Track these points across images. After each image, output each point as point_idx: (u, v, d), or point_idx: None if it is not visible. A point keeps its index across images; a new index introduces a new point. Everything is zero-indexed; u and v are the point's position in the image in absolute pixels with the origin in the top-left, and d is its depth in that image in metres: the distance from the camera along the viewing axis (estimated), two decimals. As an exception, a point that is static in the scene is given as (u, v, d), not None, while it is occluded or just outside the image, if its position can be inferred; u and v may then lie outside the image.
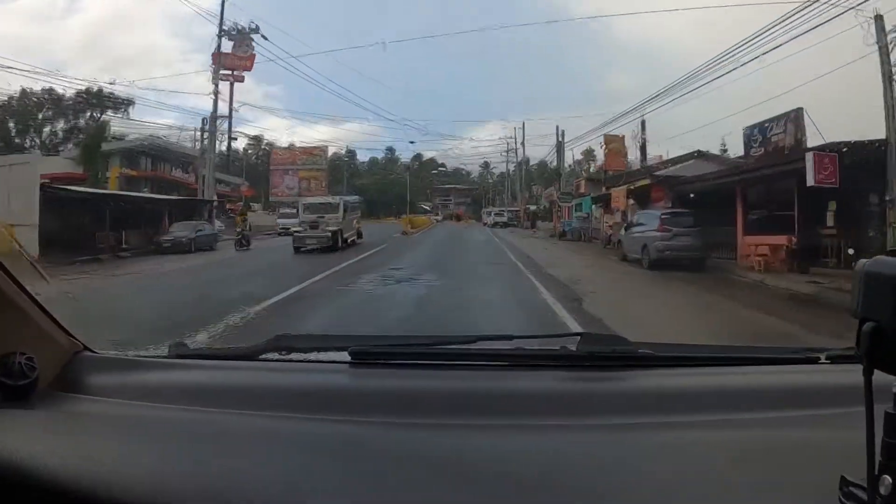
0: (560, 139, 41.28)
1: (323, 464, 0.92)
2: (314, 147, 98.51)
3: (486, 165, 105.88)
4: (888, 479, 0.63)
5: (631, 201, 25.93)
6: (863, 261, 0.65)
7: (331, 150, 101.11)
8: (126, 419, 1.11)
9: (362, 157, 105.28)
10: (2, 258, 1.13)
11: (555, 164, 58.72)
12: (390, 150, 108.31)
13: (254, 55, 67.16)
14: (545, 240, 35.00)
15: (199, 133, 34.58)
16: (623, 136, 32.85)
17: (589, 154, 52.63)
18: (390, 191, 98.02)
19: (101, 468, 0.86)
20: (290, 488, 0.82)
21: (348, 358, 1.35)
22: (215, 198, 33.49)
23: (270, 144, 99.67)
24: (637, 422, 1.09)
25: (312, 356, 1.49)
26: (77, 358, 1.28)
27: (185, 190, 43.97)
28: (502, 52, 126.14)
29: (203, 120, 33.46)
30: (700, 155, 26.40)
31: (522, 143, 65.81)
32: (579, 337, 1.47)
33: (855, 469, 0.65)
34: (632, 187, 25.86)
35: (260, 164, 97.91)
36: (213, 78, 33.98)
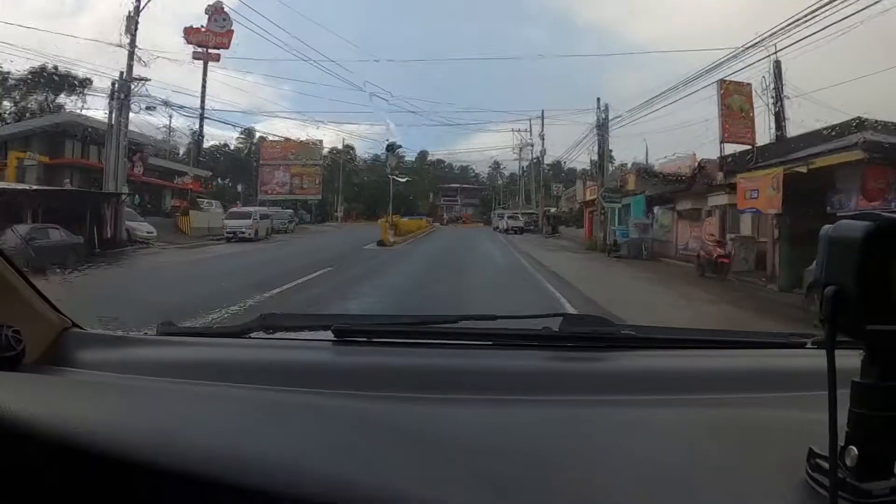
0: (603, 114, 30.06)
1: (302, 433, 0.92)
2: (308, 141, 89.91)
3: (496, 165, 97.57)
4: (854, 449, 0.63)
5: (769, 192, 14.41)
6: (827, 226, 0.65)
7: (329, 145, 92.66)
8: (112, 387, 1.12)
9: (365, 153, 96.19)
10: None
11: (568, 164, 49.74)
12: (392, 146, 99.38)
13: (231, 31, 58.58)
14: (590, 258, 23.96)
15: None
16: (749, 86, 18.75)
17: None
18: (393, 191, 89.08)
19: (89, 423, 0.87)
20: (267, 455, 0.82)
21: (332, 336, 1.37)
22: (125, 190, 24.08)
23: (263, 138, 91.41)
24: (614, 399, 1.11)
25: (297, 335, 1.50)
26: (65, 334, 1.31)
27: (131, 183, 35.42)
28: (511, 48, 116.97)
29: (112, 83, 24.02)
30: (862, 125, 13.60)
31: (542, 135, 56.41)
32: (562, 318, 1.47)
33: (825, 444, 0.64)
34: (802, 169, 13.82)
35: (252, 159, 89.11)
36: (126, 29, 24.34)
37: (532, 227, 49.57)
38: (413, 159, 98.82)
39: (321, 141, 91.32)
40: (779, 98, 18.60)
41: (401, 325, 1.56)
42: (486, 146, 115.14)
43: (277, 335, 1.50)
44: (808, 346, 1.42)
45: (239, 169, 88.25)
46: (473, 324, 1.56)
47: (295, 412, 1.01)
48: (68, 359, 1.24)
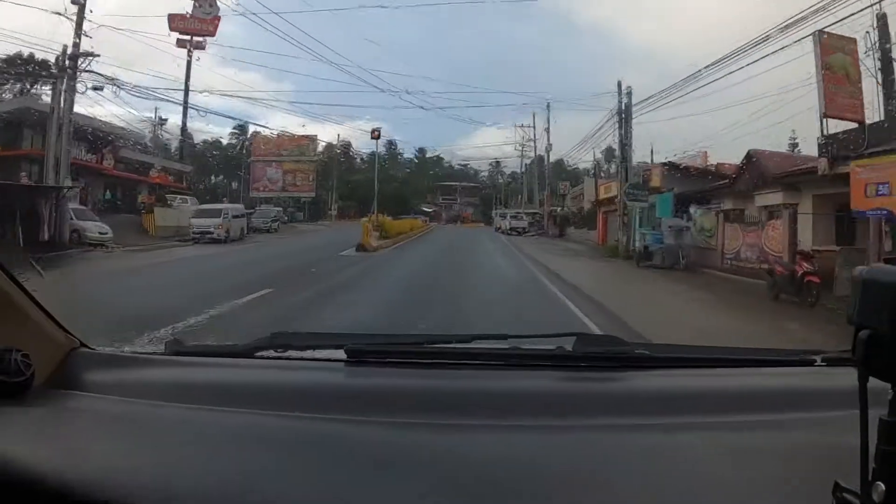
0: (626, 98, 25.56)
1: (318, 462, 0.93)
2: (303, 136, 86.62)
3: (496, 164, 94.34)
4: (881, 485, 0.64)
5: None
6: (860, 267, 0.66)
7: (327, 140, 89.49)
8: (122, 416, 1.11)
9: (362, 149, 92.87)
10: None
11: (572, 162, 46.79)
12: (391, 143, 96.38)
13: (218, 18, 55.21)
14: (614, 267, 20.40)
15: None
16: (855, 42, 13.22)
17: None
18: (387, 189, 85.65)
19: (96, 466, 0.87)
20: (284, 486, 0.82)
21: (344, 356, 1.36)
22: (67, 183, 20.61)
23: (257, 133, 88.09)
24: (632, 423, 1.10)
25: (308, 354, 1.47)
26: (73, 354, 1.29)
27: (100, 177, 32.06)
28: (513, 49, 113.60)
29: (56, 59, 20.59)
30: None
31: (547, 129, 53.04)
32: (575, 337, 1.46)
33: (848, 473, 0.66)
34: None
35: (245, 155, 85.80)
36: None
37: (536, 228, 46.25)
38: (412, 156, 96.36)
39: (315, 136, 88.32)
40: (888, 61, 12.95)
41: (413, 345, 1.54)
42: (488, 144, 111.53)
43: (287, 355, 1.45)
44: (818, 363, 1.42)
45: (233, 166, 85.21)
46: (486, 343, 1.57)
47: (306, 439, 1.00)
48: (76, 381, 1.21)
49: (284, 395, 1.20)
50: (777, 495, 0.80)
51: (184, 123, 55.75)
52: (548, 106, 53.63)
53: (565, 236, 40.91)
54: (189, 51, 51.98)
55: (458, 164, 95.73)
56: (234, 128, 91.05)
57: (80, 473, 0.83)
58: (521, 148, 76.28)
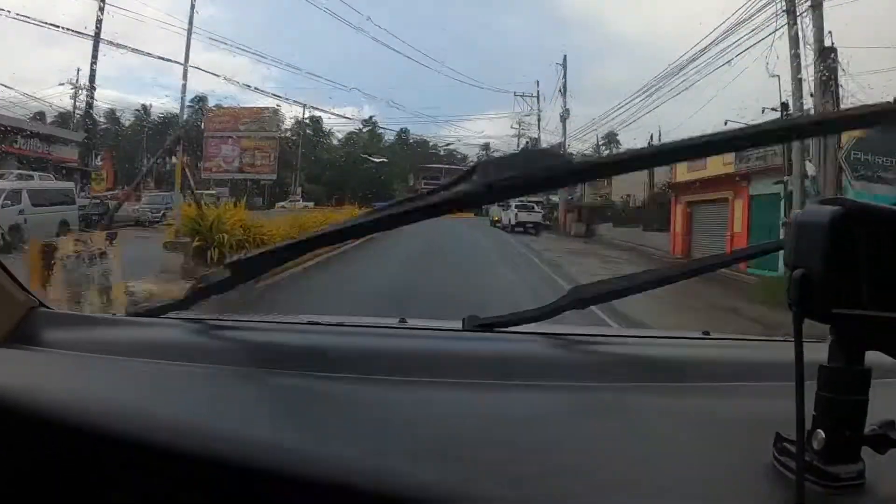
0: None
1: (281, 412, 0.95)
2: (262, 108, 73.65)
3: (486, 147, 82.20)
4: (821, 433, 0.65)
5: None
6: (796, 210, 0.69)
7: (293, 116, 76.51)
8: (81, 365, 1.13)
9: (336, 129, 79.99)
10: None
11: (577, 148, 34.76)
12: (370, 121, 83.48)
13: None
14: None
15: None
16: None
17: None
18: (363, 173, 73.03)
19: (55, 397, 0.89)
20: (231, 425, 0.85)
21: (304, 320, 1.45)
22: None
23: (214, 106, 74.85)
24: (587, 384, 1.11)
25: (270, 317, 1.53)
26: (32, 313, 1.28)
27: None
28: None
29: None
30: None
31: (561, 89, 40.77)
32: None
33: (794, 430, 0.66)
34: None
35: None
36: None
37: (549, 223, 33.97)
38: (393, 139, 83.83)
39: (278, 108, 75.05)
40: None
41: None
42: (478, 128, 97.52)
43: (252, 317, 1.51)
44: (779, 339, 1.45)
45: (194, 145, 72.23)
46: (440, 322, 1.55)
47: (265, 391, 1.03)
48: (36, 338, 1.21)
49: (246, 352, 1.21)
50: (720, 450, 0.82)
51: (91, 80, 42.43)
52: (563, 60, 41.45)
53: (596, 237, 28.83)
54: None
55: (444, 149, 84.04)
56: (191, 100, 76.90)
57: (43, 403, 0.85)
58: (517, 126, 64.57)
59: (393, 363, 1.13)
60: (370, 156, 75.31)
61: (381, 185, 69.61)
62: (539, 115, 53.61)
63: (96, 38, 38.08)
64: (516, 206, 33.23)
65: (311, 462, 0.76)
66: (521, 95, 55.35)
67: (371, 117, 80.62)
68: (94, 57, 39.60)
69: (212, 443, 0.77)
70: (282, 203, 61.46)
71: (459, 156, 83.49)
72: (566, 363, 1.24)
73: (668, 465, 0.79)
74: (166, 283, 9.55)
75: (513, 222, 32.24)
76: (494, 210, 41.60)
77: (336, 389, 1.04)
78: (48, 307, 1.31)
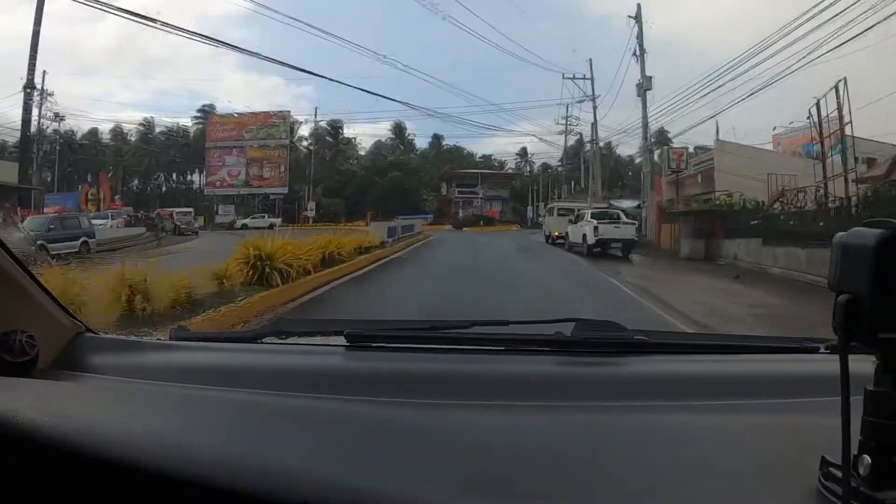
0: None
1: (315, 438, 0.94)
2: (270, 113, 64.29)
3: (523, 153, 71.39)
4: (867, 458, 0.64)
5: None
6: (839, 233, 0.65)
7: (304, 118, 66.99)
8: (125, 392, 1.14)
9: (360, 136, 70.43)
10: None
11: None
12: (398, 127, 73.29)
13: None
14: None
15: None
16: None
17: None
18: (387, 182, 62.92)
19: (100, 431, 0.89)
20: (281, 460, 0.83)
21: (344, 341, 1.38)
22: None
23: (217, 114, 65.72)
24: (627, 404, 1.11)
25: (309, 340, 1.52)
26: (79, 338, 1.31)
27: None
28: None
29: None
30: None
31: (639, 50, 29.59)
32: (574, 323, 1.45)
33: (839, 452, 0.65)
34: None
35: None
36: None
37: (635, 238, 22.73)
38: (425, 146, 73.62)
39: (289, 113, 65.68)
40: None
41: (412, 330, 1.56)
42: (519, 133, 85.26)
43: (290, 341, 1.49)
44: (822, 351, 1.41)
45: (197, 158, 63.60)
46: (486, 329, 1.55)
47: (307, 417, 1.01)
48: (82, 363, 1.24)
49: (285, 376, 1.21)
50: (766, 470, 0.80)
51: (29, 79, 32.60)
52: (637, 10, 30.35)
53: (726, 260, 17.84)
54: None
55: (481, 154, 73.49)
56: (197, 111, 67.62)
57: (86, 435, 0.84)
58: (564, 120, 53.43)
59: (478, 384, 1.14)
60: (398, 164, 65.83)
61: (407, 196, 60.26)
62: (594, 103, 42.89)
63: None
64: (595, 216, 22.20)
65: None
66: (571, 78, 44.77)
67: (398, 123, 70.70)
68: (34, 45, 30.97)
69: (272, 482, 0.74)
70: (244, 220, 52.08)
71: (496, 162, 73.60)
72: (595, 380, 1.26)
73: (712, 487, 0.78)
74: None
75: (590, 240, 20.83)
76: (551, 221, 30.63)
77: (402, 416, 1.01)
78: (94, 332, 1.36)
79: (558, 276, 15.00)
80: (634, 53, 30.51)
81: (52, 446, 0.81)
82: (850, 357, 0.61)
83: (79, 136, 60.85)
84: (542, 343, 1.43)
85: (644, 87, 30.30)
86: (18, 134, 36.73)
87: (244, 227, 44.42)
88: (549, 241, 28.73)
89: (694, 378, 1.24)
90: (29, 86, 32.49)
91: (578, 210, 26.69)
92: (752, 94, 25.05)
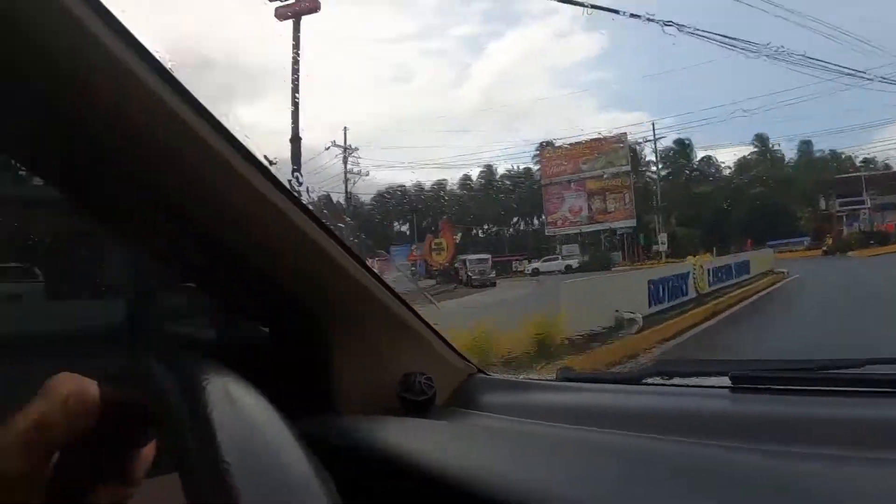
0: None
1: (695, 487, 0.89)
2: (604, 139, 58.47)
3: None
4: None
5: None
6: None
7: (640, 138, 60.10)
8: (515, 432, 1.18)
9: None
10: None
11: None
12: (760, 138, 62.11)
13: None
14: None
15: None
16: None
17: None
18: (746, 202, 53.71)
19: (493, 470, 0.92)
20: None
21: (728, 383, 1.32)
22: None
23: (548, 144, 61.60)
24: None
25: (693, 381, 1.47)
26: (471, 379, 1.40)
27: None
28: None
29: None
30: None
31: None
32: None
33: None
34: None
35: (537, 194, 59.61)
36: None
37: None
38: (795, 155, 61.19)
39: (625, 135, 59.27)
40: None
41: (800, 370, 1.46)
42: None
43: (672, 381, 1.47)
44: None
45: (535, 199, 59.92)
46: (883, 368, 1.42)
47: (689, 465, 0.97)
48: (472, 402, 1.32)
49: (667, 419, 1.21)
50: None
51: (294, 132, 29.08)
52: None
53: None
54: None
55: (860, 161, 58.37)
56: (536, 149, 63.95)
57: (478, 475, 0.88)
58: None
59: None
60: (761, 177, 55.42)
61: (776, 216, 49.89)
62: None
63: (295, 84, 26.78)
64: None
65: None
66: None
67: (761, 134, 59.42)
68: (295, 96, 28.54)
69: None
70: (535, 264, 44.34)
71: (881, 162, 57.66)
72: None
73: None
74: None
75: None
76: None
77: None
78: (486, 373, 1.43)
79: None
80: None
81: (445, 483, 0.86)
82: None
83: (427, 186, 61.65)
84: None
85: None
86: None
87: (535, 272, 40.78)
88: None
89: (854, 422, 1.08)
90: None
91: None
92: None
